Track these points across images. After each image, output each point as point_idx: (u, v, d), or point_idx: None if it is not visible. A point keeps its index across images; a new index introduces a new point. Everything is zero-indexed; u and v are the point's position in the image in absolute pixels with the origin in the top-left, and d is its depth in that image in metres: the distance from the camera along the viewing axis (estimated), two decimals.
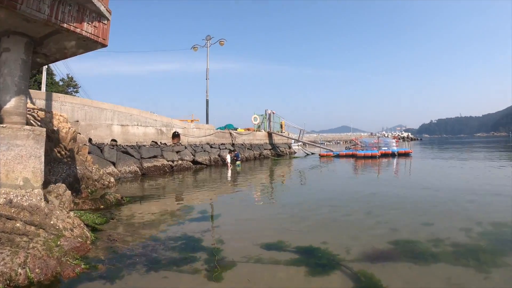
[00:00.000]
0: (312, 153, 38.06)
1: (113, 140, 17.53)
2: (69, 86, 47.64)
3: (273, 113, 37.32)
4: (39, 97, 14.67)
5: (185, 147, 21.76)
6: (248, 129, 32.70)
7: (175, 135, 21.50)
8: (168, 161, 19.49)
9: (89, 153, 15.54)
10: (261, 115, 36.51)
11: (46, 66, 36.16)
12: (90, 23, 7.09)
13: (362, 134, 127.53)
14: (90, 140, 16.36)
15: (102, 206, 9.59)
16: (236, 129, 30.17)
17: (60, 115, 13.49)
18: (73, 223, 6.30)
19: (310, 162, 27.49)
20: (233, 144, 27.51)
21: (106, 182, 14.13)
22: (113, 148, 17.19)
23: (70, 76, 51.43)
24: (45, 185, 9.90)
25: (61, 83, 47.15)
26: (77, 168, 12.29)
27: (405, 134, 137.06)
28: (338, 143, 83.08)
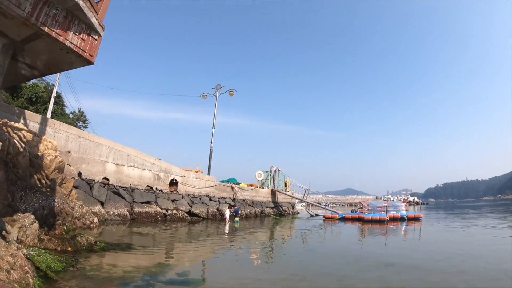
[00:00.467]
0: (317, 215, 35.86)
1: (105, 178, 16.19)
2: (78, 120, 47.35)
3: (279, 170, 36.08)
4: (33, 119, 13.75)
5: (182, 197, 20.25)
6: (251, 185, 31.26)
7: (173, 183, 20.13)
8: (162, 209, 17.91)
9: (75, 187, 14.18)
10: (266, 171, 35.23)
11: (55, 94, 35.89)
12: (77, 34, 6.21)
13: (368, 197, 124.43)
14: (80, 174, 15.07)
15: (69, 249, 8.01)
16: (239, 183, 28.74)
17: (49, 141, 12.38)
18: (14, 263, 4.81)
19: (313, 223, 25.51)
20: (234, 199, 25.91)
21: (88, 222, 12.59)
22: (104, 187, 15.80)
23: (81, 110, 51.34)
24: (11, 212, 8.46)
25: (71, 115, 46.86)
26: (56, 201, 10.82)
27: (411, 198, 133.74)
28: (342, 205, 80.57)
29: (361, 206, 38.30)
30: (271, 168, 35.80)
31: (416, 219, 29.79)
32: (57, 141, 14.33)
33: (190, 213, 19.96)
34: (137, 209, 16.52)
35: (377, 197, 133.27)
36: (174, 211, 18.70)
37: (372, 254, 11.31)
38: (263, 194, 32.21)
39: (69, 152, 14.73)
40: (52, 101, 36.17)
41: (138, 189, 17.52)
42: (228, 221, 19.72)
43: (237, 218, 21.04)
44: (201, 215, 20.59)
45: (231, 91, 28.53)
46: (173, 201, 19.23)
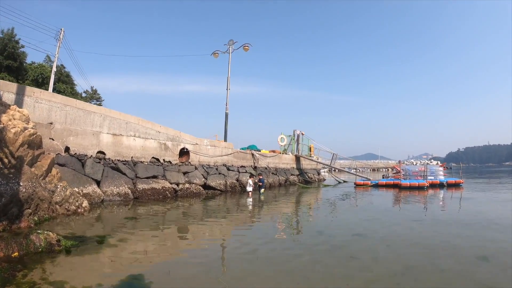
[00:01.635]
0: (344, 181, 33.25)
1: (101, 152, 13.74)
2: (92, 99, 45.79)
3: (302, 134, 33.08)
4: (7, 89, 11.25)
5: (195, 168, 17.73)
6: (274, 151, 28.54)
7: (184, 152, 17.57)
8: (171, 183, 15.47)
9: (61, 165, 11.80)
10: (289, 136, 32.29)
11: (54, 69, 33.74)
12: None
13: (390, 162, 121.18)
14: (67, 149, 12.64)
15: (16, 254, 5.53)
16: (259, 150, 25.98)
17: (18, 111, 9.82)
18: None
19: (343, 191, 22.84)
20: (255, 167, 23.32)
21: (74, 207, 10.24)
22: (99, 162, 13.39)
23: (94, 88, 49.67)
24: None
25: (84, 94, 45.24)
26: (22, 184, 8.40)
27: (434, 162, 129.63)
28: (364, 170, 77.52)
29: (395, 171, 35.17)
30: (294, 131, 32.81)
31: (456, 185, 26.74)
32: (39, 112, 11.99)
33: (205, 186, 17.53)
34: (141, 185, 14.11)
35: (399, 162, 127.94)
36: (187, 185, 16.25)
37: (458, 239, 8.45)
38: (287, 161, 29.50)
39: (51, 123, 12.23)
40: (52, 76, 34.05)
41: (141, 162, 15.05)
42: (251, 194, 17.14)
43: (262, 190, 18.58)
44: (219, 188, 18.12)
45: (245, 45, 25.20)
46: (184, 173, 16.76)
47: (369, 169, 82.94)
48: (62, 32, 36.23)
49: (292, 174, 28.79)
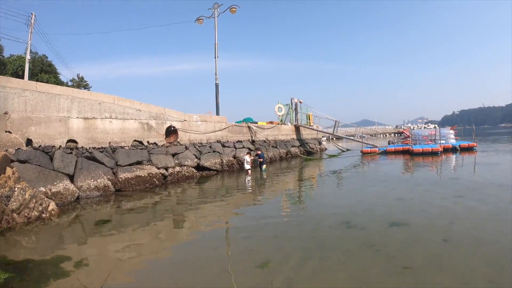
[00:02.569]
0: (347, 149, 31.73)
1: (71, 140, 11.88)
2: (79, 87, 43.95)
3: (300, 102, 31.08)
4: None
5: (186, 147, 15.93)
6: (271, 123, 26.66)
7: (171, 131, 15.72)
8: (159, 168, 13.69)
9: (24, 162, 9.98)
10: (286, 105, 30.28)
11: (28, 57, 31.90)
12: None
13: (387, 127, 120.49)
14: (29, 142, 10.75)
15: None
16: (256, 122, 24.09)
17: None
18: None
19: (350, 161, 21.25)
20: (253, 141, 21.55)
21: (36, 213, 8.44)
22: (70, 153, 11.53)
23: (80, 76, 47.87)
24: None
25: (70, 83, 43.32)
26: None
27: (431, 126, 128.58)
28: (363, 137, 76.06)
29: (403, 136, 33.45)
30: (291, 100, 30.78)
31: (470, 148, 25.24)
32: None
33: (199, 168, 15.81)
34: (124, 174, 12.34)
35: (396, 127, 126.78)
36: (177, 169, 14.50)
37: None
38: (286, 132, 27.71)
39: (6, 113, 10.29)
40: (27, 65, 32.03)
41: (121, 147, 13.24)
42: (250, 171, 15.39)
43: (263, 166, 16.83)
44: (214, 168, 16.42)
45: (232, 7, 22.78)
46: (173, 155, 14.98)
47: (366, 136, 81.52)
48: (33, 17, 34.01)
49: (293, 146, 27.08)
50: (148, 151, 13.91)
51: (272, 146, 23.19)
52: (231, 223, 7.69)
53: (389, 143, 32.53)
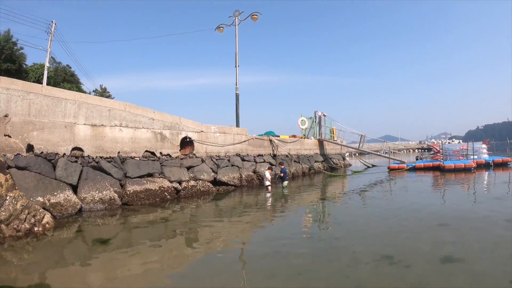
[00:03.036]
0: (373, 165, 30.48)
1: (77, 148, 11.03)
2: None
3: (324, 115, 29.76)
4: None
5: (202, 160, 14.89)
6: (294, 136, 25.47)
7: (186, 143, 14.75)
8: (171, 181, 12.68)
9: (22, 169, 9.19)
10: (310, 118, 29.07)
11: (47, 64, 32.26)
12: None
13: (410, 142, 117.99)
14: (30, 147, 9.95)
15: None
16: (278, 136, 22.97)
17: None
18: None
19: (376, 177, 19.86)
20: (274, 155, 20.36)
21: (27, 225, 7.50)
22: (75, 161, 10.67)
23: (103, 87, 48.37)
24: None
25: (93, 94, 43.73)
26: None
27: (456, 141, 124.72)
28: (386, 152, 74.01)
29: (433, 151, 31.69)
30: (315, 113, 29.52)
31: (504, 164, 23.69)
32: None
33: (215, 182, 14.73)
34: (132, 187, 11.37)
35: (420, 142, 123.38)
36: (192, 183, 13.46)
37: None
38: (310, 146, 26.42)
39: (6, 116, 9.57)
40: (45, 72, 32.31)
41: (131, 157, 12.31)
42: (270, 188, 14.20)
43: (285, 183, 15.50)
44: (232, 183, 15.30)
45: (254, 14, 22.06)
46: (188, 168, 13.96)
47: (391, 151, 79.34)
48: (54, 25, 34.52)
49: (316, 161, 25.73)
50: (160, 163, 12.94)
51: (295, 161, 21.91)
52: (246, 252, 6.46)
53: (417, 159, 30.85)
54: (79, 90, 39.15)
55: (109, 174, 11.23)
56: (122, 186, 11.32)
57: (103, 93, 47.58)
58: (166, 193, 12.02)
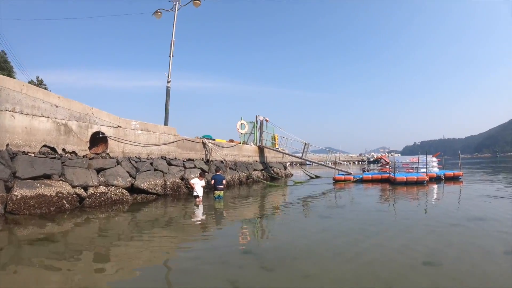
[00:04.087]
0: (316, 176, 30.74)
1: None
2: None
3: (267, 120, 29.26)
4: None
5: (118, 162, 13.46)
6: (232, 141, 24.55)
7: (98, 139, 13.22)
8: (74, 186, 11.16)
9: None
10: (250, 122, 28.36)
11: None
12: None
13: (351, 155, 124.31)
14: None
15: None
16: (213, 139, 21.86)
17: None
18: None
19: (321, 189, 19.62)
20: (207, 161, 19.36)
21: None
22: None
23: (40, 78, 45.18)
24: None
25: None
26: None
27: (396, 155, 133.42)
28: (326, 164, 76.80)
29: (382, 163, 32.38)
30: (256, 117, 28.89)
31: (455, 178, 24.58)
32: None
33: (132, 189, 13.37)
34: (20, 191, 9.76)
35: (360, 155, 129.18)
36: (102, 189, 12.01)
37: None
38: (249, 153, 25.78)
39: None
40: None
41: (24, 152, 10.57)
42: (199, 200, 12.98)
43: (218, 192, 13.96)
44: (154, 191, 14.06)
45: (196, 0, 20.84)
46: (99, 171, 12.51)
47: (330, 163, 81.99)
48: None
49: (255, 169, 25.15)
50: (62, 162, 11.36)
51: (231, 168, 21.03)
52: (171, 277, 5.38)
53: (363, 171, 31.41)
54: (12, 77, 36.18)
55: None
56: (7, 188, 9.59)
57: (38, 85, 43.78)
58: (64, 201, 10.48)
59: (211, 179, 14.37)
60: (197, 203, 12.80)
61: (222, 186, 14.03)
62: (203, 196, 13.48)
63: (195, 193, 13.14)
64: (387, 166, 27.17)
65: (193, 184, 13.26)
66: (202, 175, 14.32)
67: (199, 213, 11.28)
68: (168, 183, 15.12)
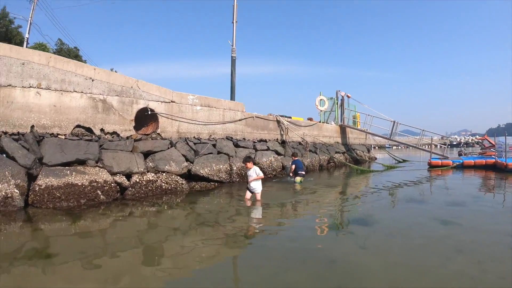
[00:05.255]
0: (404, 160, 27.22)
1: None
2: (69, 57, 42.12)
3: (348, 97, 25.85)
4: None
5: (171, 144, 11.40)
6: (311, 119, 21.80)
7: (147, 117, 11.20)
8: (113, 174, 9.25)
9: None
10: (331, 98, 25.29)
11: (27, 37, 29.72)
12: None
13: (434, 137, 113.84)
14: None
15: None
16: (289, 117, 19.25)
17: None
18: None
19: (416, 176, 16.34)
20: (283, 142, 16.84)
21: None
22: None
23: (77, 48, 45.73)
24: None
25: (54, 47, 40.64)
26: None
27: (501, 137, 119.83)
28: (407, 147, 70.74)
29: (484, 145, 28.13)
30: (337, 93, 25.70)
31: None
32: None
33: (189, 176, 11.24)
34: (46, 180, 8.09)
35: (442, 137, 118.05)
36: (149, 176, 10.04)
37: None
38: (329, 133, 22.77)
39: None
40: (25, 44, 29.58)
41: (53, 134, 8.88)
42: (249, 195, 9.27)
43: (300, 178, 12.78)
44: (216, 178, 11.88)
45: None
46: (146, 154, 10.53)
47: (409, 147, 75.89)
48: None
49: (337, 151, 22.11)
50: (100, 145, 9.52)
51: (310, 150, 18.31)
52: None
53: (459, 154, 27.18)
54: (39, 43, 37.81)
55: (12, 158, 7.88)
56: (30, 177, 7.92)
57: (75, 51, 44.49)
58: (99, 192, 8.58)
59: (291, 164, 13.43)
60: (246, 200, 9.17)
61: (303, 172, 13.30)
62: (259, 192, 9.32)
63: (252, 186, 9.20)
64: (490, 150, 23.00)
65: (249, 175, 9.36)
66: (249, 159, 9.73)
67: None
68: (235, 168, 12.87)
